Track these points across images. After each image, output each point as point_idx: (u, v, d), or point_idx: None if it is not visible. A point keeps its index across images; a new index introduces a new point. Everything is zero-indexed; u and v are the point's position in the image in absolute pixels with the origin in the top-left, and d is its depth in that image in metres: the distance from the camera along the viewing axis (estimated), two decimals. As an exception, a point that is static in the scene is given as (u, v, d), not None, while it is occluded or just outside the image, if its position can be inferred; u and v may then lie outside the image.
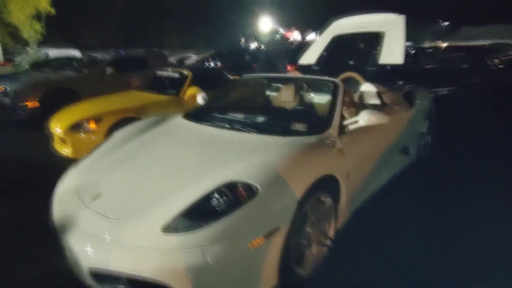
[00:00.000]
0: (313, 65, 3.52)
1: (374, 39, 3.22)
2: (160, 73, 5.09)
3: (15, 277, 1.93)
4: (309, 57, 3.57)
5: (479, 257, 2.03)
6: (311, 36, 13.89)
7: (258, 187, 1.49)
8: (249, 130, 2.10)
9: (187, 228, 1.39)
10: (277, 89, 2.90)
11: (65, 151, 3.71)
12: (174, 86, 4.50)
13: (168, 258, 1.33)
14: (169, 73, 4.93)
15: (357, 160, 2.12)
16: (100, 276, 1.49)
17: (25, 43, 23.33)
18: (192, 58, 10.09)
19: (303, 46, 7.91)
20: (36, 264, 2.05)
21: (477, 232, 2.29)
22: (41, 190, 3.07)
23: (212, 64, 8.09)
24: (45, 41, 23.30)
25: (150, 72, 6.16)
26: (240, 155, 1.79)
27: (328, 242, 1.96)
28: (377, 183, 2.52)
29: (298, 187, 1.59)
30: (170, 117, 2.63)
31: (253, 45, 10.16)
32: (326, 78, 2.51)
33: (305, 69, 3.53)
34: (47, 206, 2.64)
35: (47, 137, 4.08)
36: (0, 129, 5.80)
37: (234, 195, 1.49)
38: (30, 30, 21.34)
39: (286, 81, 2.86)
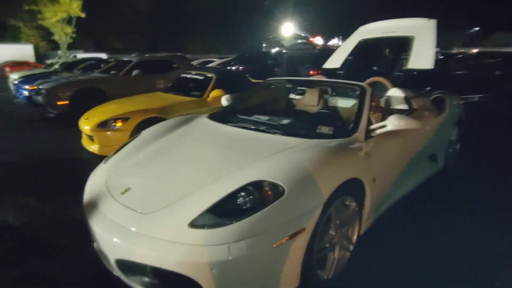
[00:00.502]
0: (338, 69, 3.50)
1: (402, 44, 3.15)
2: (184, 75, 5.21)
3: (46, 265, 2.01)
4: (334, 62, 3.55)
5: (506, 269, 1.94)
6: (333, 42, 13.77)
7: (285, 187, 1.49)
8: (274, 131, 2.11)
9: (214, 225, 1.41)
10: (302, 93, 2.90)
11: (93, 148, 3.86)
12: (198, 88, 4.59)
13: (194, 253, 1.35)
14: (193, 75, 5.04)
15: (384, 165, 2.08)
16: (126, 267, 1.54)
17: (56, 46, 24.60)
18: (215, 62, 10.26)
19: (326, 51, 7.89)
20: (66, 253, 2.14)
21: (504, 244, 2.18)
22: (70, 183, 3.26)
23: (233, 68, 8.18)
24: (74, 44, 24.46)
25: (174, 74, 6.33)
26: (266, 155, 1.79)
27: (351, 246, 1.92)
28: (402, 190, 2.46)
29: (324, 189, 1.58)
30: (195, 117, 2.69)
31: (275, 50, 10.18)
32: (353, 82, 2.48)
33: (330, 73, 3.51)
34: (76, 198, 2.77)
35: (76, 134, 4.26)
36: (32, 126, 6.11)
37: (260, 194, 1.50)
38: (61, 33, 22.51)
39: (311, 84, 2.85)
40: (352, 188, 1.79)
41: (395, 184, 2.28)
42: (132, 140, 2.46)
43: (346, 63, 3.48)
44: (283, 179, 1.52)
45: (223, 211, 1.47)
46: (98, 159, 3.72)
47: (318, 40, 13.68)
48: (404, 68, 3.01)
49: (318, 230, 1.56)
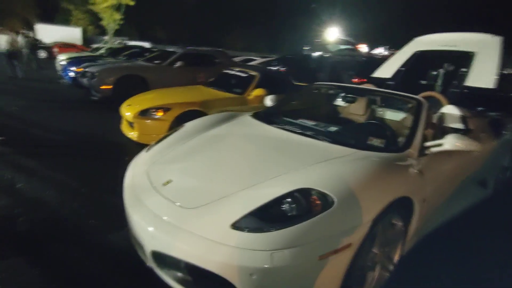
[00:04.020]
0: (388, 79, 3.35)
1: (462, 59, 2.96)
2: (227, 71, 5.23)
3: (77, 247, 2.06)
4: (385, 71, 3.41)
5: None
6: (378, 51, 13.31)
7: (335, 198, 1.43)
8: (321, 138, 2.04)
9: (257, 229, 1.38)
10: (350, 100, 2.79)
11: (131, 134, 3.97)
12: (240, 86, 4.59)
13: (236, 256, 1.33)
14: (236, 72, 5.05)
15: (435, 186, 1.95)
16: (161, 260, 1.54)
17: (103, 31, 25.83)
18: (256, 61, 10.28)
19: (374, 60, 7.62)
20: (98, 237, 2.19)
21: None
22: (108, 167, 3.38)
23: (274, 69, 8.13)
24: (120, 31, 25.53)
25: (216, 69, 6.39)
26: (314, 162, 1.74)
27: (391, 267, 1.82)
28: (449, 213, 2.31)
29: (375, 205, 1.50)
30: (238, 115, 2.67)
31: (316, 53, 9.99)
32: (409, 95, 2.35)
33: (378, 83, 3.37)
34: (112, 183, 2.84)
35: (116, 119, 4.41)
36: (76, 107, 6.42)
37: (307, 203, 1.45)
38: (110, 19, 23.58)
39: (362, 93, 2.74)
40: (401, 207, 1.69)
41: (442, 207, 2.14)
42: (175, 131, 2.48)
43: (398, 74, 3.32)
44: (333, 189, 1.46)
45: (267, 216, 1.44)
46: (136, 145, 3.86)
47: (363, 48, 13.28)
48: (463, 85, 2.82)
49: (363, 248, 1.48)
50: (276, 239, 1.32)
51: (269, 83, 4.56)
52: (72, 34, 25.61)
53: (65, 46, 18.53)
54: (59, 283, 1.74)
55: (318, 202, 1.44)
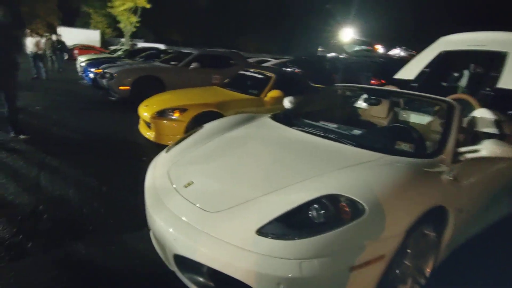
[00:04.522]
0: (412, 81, 3.23)
1: (492, 60, 2.81)
2: (243, 72, 5.21)
3: (96, 246, 2.06)
4: (408, 72, 3.29)
5: None
6: (394, 51, 13.00)
7: (366, 206, 1.35)
8: (345, 141, 1.96)
9: (283, 236, 1.32)
10: (373, 102, 2.70)
11: (149, 134, 3.99)
12: (256, 87, 4.56)
13: (262, 263, 1.27)
14: (252, 73, 5.02)
15: (471, 194, 1.84)
16: (183, 263, 1.50)
17: (120, 33, 26.40)
18: (270, 62, 10.25)
19: (394, 61, 7.46)
20: (118, 237, 2.18)
21: None
22: (126, 166, 3.40)
23: (289, 70, 8.07)
24: (136, 33, 26.04)
25: (231, 70, 6.39)
26: (340, 167, 1.66)
27: (422, 280, 1.72)
28: (484, 223, 2.18)
29: (408, 215, 1.41)
30: (257, 117, 2.62)
31: (332, 54, 9.86)
32: (439, 97, 2.24)
33: (401, 84, 3.25)
34: (130, 182, 2.84)
35: (134, 119, 4.45)
36: (95, 107, 6.54)
37: (336, 210, 1.38)
38: (126, 22, 24.11)
39: (386, 94, 2.64)
40: (435, 216, 1.59)
41: (477, 216, 2.02)
42: (194, 132, 2.45)
43: (421, 75, 3.20)
44: (364, 197, 1.38)
45: (294, 223, 1.37)
46: (153, 145, 3.88)
47: (379, 49, 13.03)
48: (495, 87, 2.67)
49: (395, 259, 1.40)
50: (304, 248, 1.26)
51: (286, 84, 4.50)
52: (90, 36, 26.25)
53: (84, 48, 19.03)
54: (80, 282, 1.73)
55: (347, 209, 1.37)
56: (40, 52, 9.80)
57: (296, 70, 7.85)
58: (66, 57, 12.71)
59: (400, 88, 2.87)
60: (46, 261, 1.87)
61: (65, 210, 2.43)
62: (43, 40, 10.19)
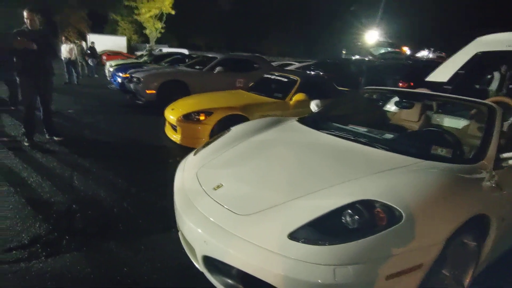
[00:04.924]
0: (445, 83, 3.09)
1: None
2: (268, 76, 5.22)
3: (132, 249, 2.10)
4: (441, 75, 3.15)
5: None
6: (422, 53, 12.54)
7: (402, 212, 1.30)
8: (378, 145, 1.90)
9: (316, 241, 1.29)
10: (404, 106, 2.61)
11: (175, 137, 4.08)
12: (281, 90, 4.55)
13: (295, 268, 1.25)
14: (277, 77, 5.01)
15: (515, 203, 1.72)
16: (212, 265, 1.51)
17: (146, 39, 27.35)
18: (293, 65, 10.21)
19: (419, 63, 7.22)
20: (148, 237, 2.23)
21: None
22: (154, 168, 3.48)
23: (313, 73, 8.00)
24: (161, 39, 26.85)
25: (255, 74, 6.42)
26: (373, 172, 1.61)
27: (460, 292, 1.63)
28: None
29: (448, 223, 1.34)
30: (284, 120, 2.61)
31: (357, 57, 9.68)
32: (477, 100, 2.13)
33: (434, 87, 3.12)
34: (158, 184, 2.89)
35: (160, 122, 4.56)
36: (123, 111, 6.76)
37: (370, 216, 1.34)
38: (152, 28, 24.96)
39: (419, 97, 2.55)
40: (476, 225, 1.51)
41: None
42: (221, 135, 2.47)
43: (455, 77, 3.06)
44: (400, 203, 1.33)
45: (326, 228, 1.34)
46: (179, 148, 3.95)
47: (406, 51, 12.64)
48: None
49: (433, 269, 1.33)
50: (338, 254, 1.23)
51: (311, 88, 4.46)
52: (118, 42, 27.27)
53: (112, 54, 19.82)
54: (111, 281, 1.77)
55: (383, 215, 1.32)
56: (73, 58, 10.33)
57: (321, 73, 7.77)
58: (94, 63, 13.31)
59: (433, 91, 2.77)
60: (79, 258, 1.93)
61: (96, 210, 2.52)
62: (75, 47, 10.72)
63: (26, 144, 3.87)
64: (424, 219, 1.31)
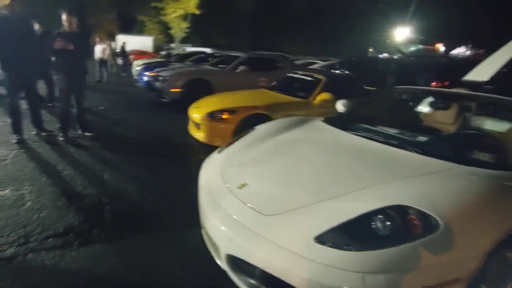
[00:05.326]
0: (486, 83, 2.90)
1: None
2: (291, 75, 5.16)
3: (158, 244, 2.14)
4: (481, 73, 2.96)
5: None
6: (458, 50, 11.82)
7: (440, 221, 1.22)
8: (411, 148, 1.81)
9: (344, 246, 1.25)
10: (439, 106, 2.48)
11: (198, 135, 4.12)
12: (305, 89, 4.48)
13: (322, 273, 1.21)
14: (301, 76, 4.94)
15: None
16: (236, 264, 1.50)
17: (171, 39, 27.99)
18: (317, 64, 10.05)
19: (455, 61, 6.85)
20: (172, 232, 2.26)
21: None
22: (179, 164, 3.54)
23: (337, 72, 7.84)
24: (186, 38, 27.37)
25: (278, 73, 6.37)
26: (406, 176, 1.54)
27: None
28: None
29: (491, 235, 1.25)
30: (309, 120, 2.55)
31: (385, 55, 9.33)
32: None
33: (473, 86, 2.94)
34: (183, 180, 2.93)
35: (184, 120, 4.63)
36: (149, 109, 6.95)
37: (403, 222, 1.27)
38: (177, 28, 25.49)
39: (456, 98, 2.41)
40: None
41: None
42: (246, 134, 2.46)
43: (497, 76, 2.86)
44: (438, 210, 1.25)
45: (355, 233, 1.29)
46: (202, 146, 3.99)
47: (440, 48, 12.00)
48: None
49: (472, 284, 1.25)
50: (368, 261, 1.18)
51: (337, 87, 4.35)
52: (144, 42, 28.09)
53: (139, 54, 20.45)
54: (136, 273, 1.81)
55: (417, 223, 1.25)
56: (105, 58, 10.81)
57: (346, 72, 7.57)
58: (121, 62, 13.88)
59: (472, 91, 2.60)
60: (108, 249, 2.00)
61: (125, 203, 2.60)
62: (107, 47, 11.20)
63: (61, 139, 4.07)
64: (463, 229, 1.23)
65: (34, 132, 4.17)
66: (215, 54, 10.90)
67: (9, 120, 3.88)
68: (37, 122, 4.18)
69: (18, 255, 1.88)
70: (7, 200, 2.49)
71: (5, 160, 3.28)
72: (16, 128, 3.84)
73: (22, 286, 1.67)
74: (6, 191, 2.63)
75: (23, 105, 4.05)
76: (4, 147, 3.63)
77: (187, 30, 25.97)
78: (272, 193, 1.66)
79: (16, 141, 3.78)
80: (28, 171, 3.05)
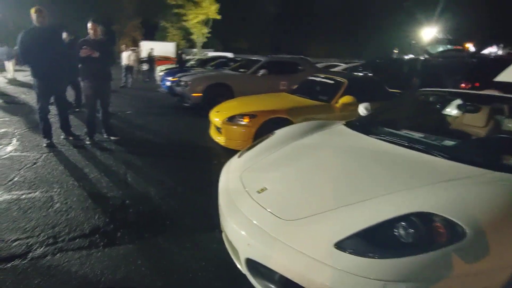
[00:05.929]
0: (517, 84, 2.75)
1: None
2: (312, 78, 5.11)
3: (178, 246, 2.18)
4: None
5: None
6: (489, 50, 11.18)
7: (466, 229, 1.16)
8: (437, 153, 1.74)
9: (365, 253, 1.21)
10: (469, 109, 2.37)
11: (219, 139, 4.16)
12: (326, 93, 4.43)
13: (343, 280, 1.19)
14: (322, 79, 4.88)
15: None
16: (255, 268, 1.49)
17: (192, 44, 28.62)
18: (340, 66, 9.90)
19: (486, 61, 6.50)
20: (192, 236, 2.29)
21: None
22: (200, 168, 3.59)
23: (361, 74, 7.68)
24: (207, 43, 27.89)
25: (299, 76, 6.34)
26: (431, 182, 1.48)
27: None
28: None
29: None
30: (330, 124, 2.52)
31: (410, 56, 9.03)
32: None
33: (506, 88, 2.79)
34: (203, 184, 2.97)
35: (205, 124, 4.70)
36: (171, 113, 7.12)
37: (428, 230, 1.22)
38: (199, 33, 26.05)
39: (486, 100, 2.30)
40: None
41: None
42: (266, 138, 2.46)
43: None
44: (464, 219, 1.20)
45: (377, 240, 1.26)
46: (223, 150, 4.04)
47: (469, 48, 11.43)
48: None
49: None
50: (390, 269, 1.14)
51: (359, 90, 4.26)
52: (167, 48, 28.84)
53: (162, 59, 21.04)
54: (158, 275, 1.85)
55: (442, 231, 1.20)
56: (131, 64, 11.23)
57: (369, 74, 7.40)
58: (145, 67, 14.29)
59: (504, 93, 2.46)
60: (132, 250, 2.06)
61: (147, 206, 2.67)
62: (131, 54, 11.63)
63: (87, 142, 4.26)
64: (492, 238, 1.16)
65: (62, 137, 4.38)
66: (236, 59, 11.01)
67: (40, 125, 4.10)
68: (66, 127, 4.39)
69: (47, 254, 1.98)
70: (37, 201, 2.63)
71: (36, 163, 3.48)
72: (46, 132, 4.05)
73: (50, 285, 1.75)
74: (37, 193, 2.78)
75: (53, 110, 4.27)
76: (35, 151, 3.85)
77: (208, 35, 26.48)
78: (291, 198, 1.65)
79: (46, 145, 4.00)
80: (57, 174, 3.21)
